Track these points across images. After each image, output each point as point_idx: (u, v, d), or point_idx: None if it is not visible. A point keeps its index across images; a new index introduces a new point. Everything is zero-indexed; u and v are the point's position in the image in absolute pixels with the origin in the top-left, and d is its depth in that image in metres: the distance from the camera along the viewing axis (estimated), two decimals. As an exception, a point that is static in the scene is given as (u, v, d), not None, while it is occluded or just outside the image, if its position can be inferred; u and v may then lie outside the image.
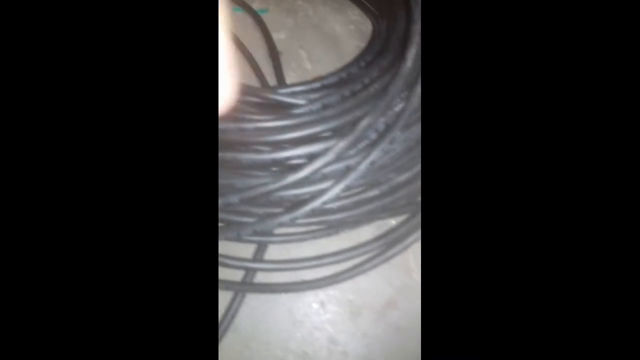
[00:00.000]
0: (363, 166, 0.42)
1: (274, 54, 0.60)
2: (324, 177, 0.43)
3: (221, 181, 0.42)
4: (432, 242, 0.22)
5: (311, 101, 0.47)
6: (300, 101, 0.47)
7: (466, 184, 0.22)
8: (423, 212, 0.22)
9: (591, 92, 0.21)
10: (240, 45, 0.61)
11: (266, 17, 0.64)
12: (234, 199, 0.41)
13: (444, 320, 0.22)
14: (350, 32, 0.62)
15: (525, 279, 0.22)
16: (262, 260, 0.49)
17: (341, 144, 0.42)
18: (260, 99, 0.48)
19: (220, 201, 0.41)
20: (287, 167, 0.45)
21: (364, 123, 0.42)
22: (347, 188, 0.42)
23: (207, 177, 0.20)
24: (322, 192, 0.42)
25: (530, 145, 0.22)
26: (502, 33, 0.22)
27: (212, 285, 0.21)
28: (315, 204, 0.41)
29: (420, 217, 0.47)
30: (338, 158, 0.42)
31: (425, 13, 0.22)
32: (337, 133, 0.44)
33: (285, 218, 0.41)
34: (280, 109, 0.47)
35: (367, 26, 0.60)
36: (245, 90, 0.48)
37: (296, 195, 0.44)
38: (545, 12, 0.21)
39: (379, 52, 0.52)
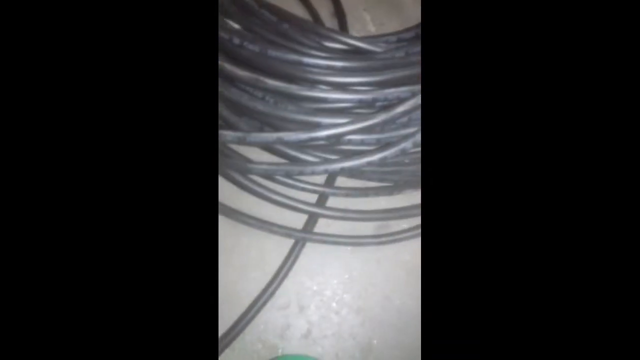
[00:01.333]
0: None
1: (339, 12, 0.59)
2: (410, 122, 0.43)
3: (308, 118, 0.41)
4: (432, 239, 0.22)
5: (390, 49, 0.46)
6: (378, 49, 0.47)
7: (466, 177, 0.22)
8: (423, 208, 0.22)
9: (587, 91, 0.21)
10: (306, 3, 0.60)
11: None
12: (322, 134, 0.40)
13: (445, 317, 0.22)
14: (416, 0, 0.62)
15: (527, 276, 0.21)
16: (325, 207, 0.48)
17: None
18: (341, 44, 0.47)
19: (306, 136, 0.40)
20: (371, 109, 0.44)
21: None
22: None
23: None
24: (407, 137, 0.42)
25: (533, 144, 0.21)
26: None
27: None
28: (407, 144, 0.40)
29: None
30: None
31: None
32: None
33: (375, 157, 0.41)
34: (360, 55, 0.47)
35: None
36: (326, 35, 0.47)
37: (378, 140, 0.43)
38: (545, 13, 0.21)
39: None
